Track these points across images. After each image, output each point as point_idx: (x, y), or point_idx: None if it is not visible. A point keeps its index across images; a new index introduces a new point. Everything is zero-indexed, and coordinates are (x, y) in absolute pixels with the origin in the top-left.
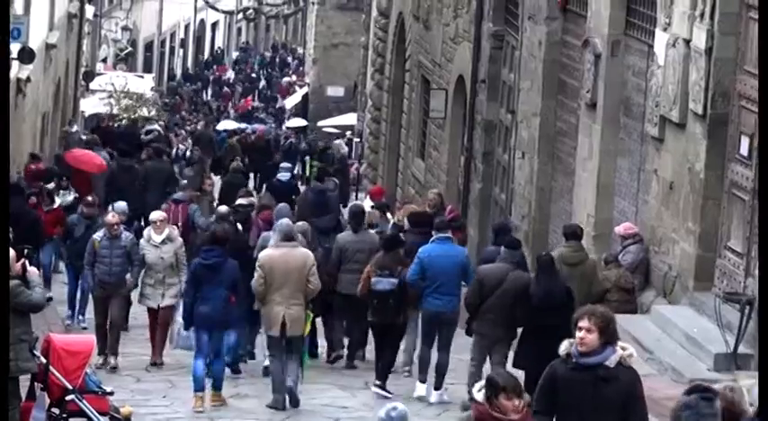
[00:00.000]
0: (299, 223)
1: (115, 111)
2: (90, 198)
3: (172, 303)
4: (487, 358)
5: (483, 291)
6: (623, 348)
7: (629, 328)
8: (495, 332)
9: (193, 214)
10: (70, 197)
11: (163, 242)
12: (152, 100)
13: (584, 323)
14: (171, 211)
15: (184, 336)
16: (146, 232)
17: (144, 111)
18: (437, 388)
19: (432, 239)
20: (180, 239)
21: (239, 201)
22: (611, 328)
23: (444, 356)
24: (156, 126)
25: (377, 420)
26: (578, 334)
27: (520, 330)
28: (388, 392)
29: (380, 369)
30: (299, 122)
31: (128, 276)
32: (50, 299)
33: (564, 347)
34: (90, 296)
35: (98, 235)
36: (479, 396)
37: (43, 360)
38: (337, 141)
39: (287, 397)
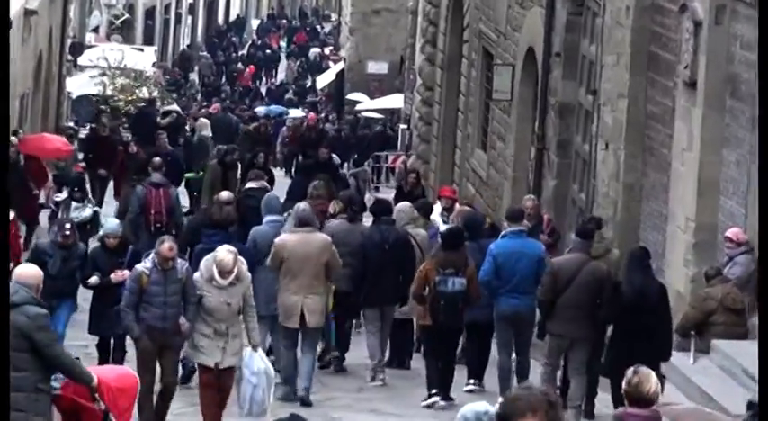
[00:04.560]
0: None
1: (109, 91)
2: (68, 226)
3: (234, 363)
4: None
5: (557, 285)
6: None
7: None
8: (573, 331)
9: (176, 200)
10: (87, 211)
11: (231, 284)
12: (154, 78)
13: None
14: (151, 197)
15: (259, 401)
16: (202, 267)
17: (144, 92)
18: None
19: (503, 233)
20: (249, 276)
21: (249, 184)
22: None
23: (525, 360)
24: (174, 106)
25: (460, 419)
26: None
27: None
28: (451, 400)
29: (442, 376)
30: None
31: (182, 319)
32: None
33: None
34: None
35: (145, 267)
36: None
37: (103, 406)
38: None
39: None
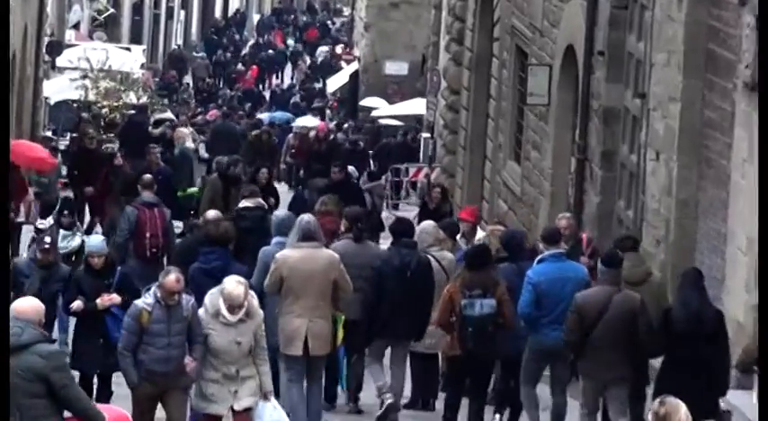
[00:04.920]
0: None
1: (92, 96)
2: (47, 240)
3: (251, 404)
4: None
5: (584, 323)
6: None
7: None
8: (607, 372)
9: (171, 221)
10: (77, 240)
11: (240, 320)
12: (142, 81)
13: None
14: (145, 218)
15: None
16: (207, 301)
17: (131, 97)
18: None
19: (540, 257)
20: (261, 313)
21: (244, 202)
22: None
23: (562, 400)
24: (167, 114)
25: None
26: None
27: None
28: None
29: (473, 413)
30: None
31: (187, 359)
32: None
33: None
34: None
35: (145, 302)
36: None
37: None
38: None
39: None
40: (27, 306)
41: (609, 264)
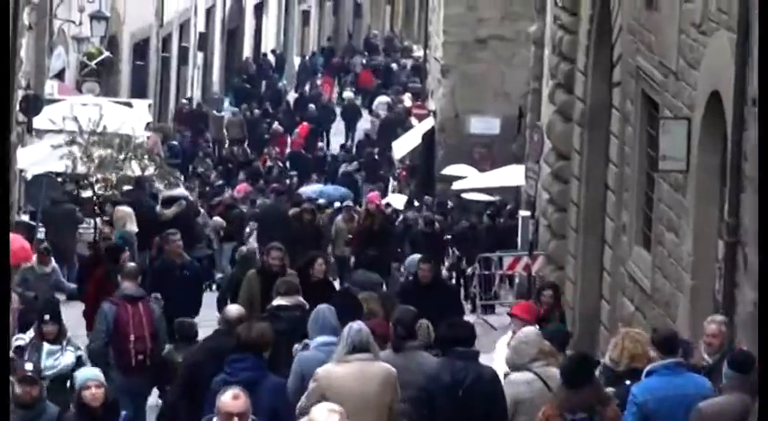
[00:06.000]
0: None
1: (81, 168)
2: (28, 368)
3: None
4: None
5: None
6: None
7: None
8: None
9: (160, 319)
10: (68, 357)
11: None
12: (149, 147)
13: None
14: (127, 316)
15: None
16: None
17: (134, 168)
18: None
19: (649, 368)
20: None
21: (279, 300)
22: None
23: None
24: (180, 191)
25: None
26: None
27: None
28: None
29: None
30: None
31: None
32: None
33: None
34: None
35: None
36: None
37: None
38: None
39: None
40: None
41: (738, 367)
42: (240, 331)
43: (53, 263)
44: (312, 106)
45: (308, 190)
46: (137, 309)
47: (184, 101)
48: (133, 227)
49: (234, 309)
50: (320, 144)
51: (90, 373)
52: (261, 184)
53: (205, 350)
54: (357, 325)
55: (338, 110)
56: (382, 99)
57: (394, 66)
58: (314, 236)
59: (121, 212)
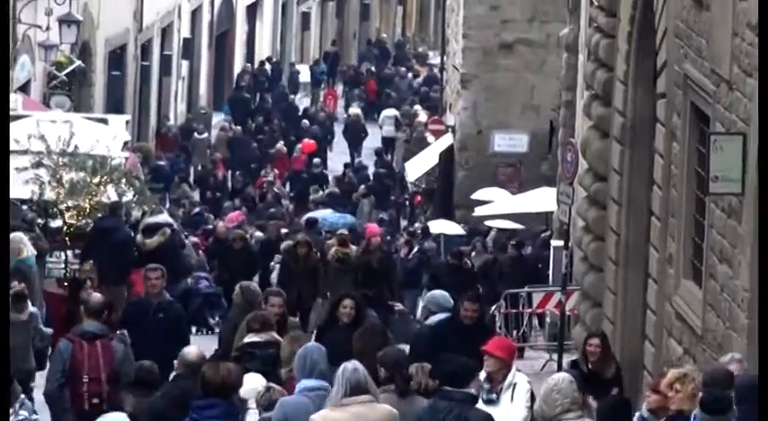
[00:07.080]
0: None
1: (49, 194)
2: None
3: None
4: None
5: None
6: None
7: None
8: None
9: (123, 359)
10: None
11: None
12: (126, 169)
13: None
14: (83, 355)
15: None
16: None
17: (110, 194)
18: None
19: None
20: None
21: (251, 337)
22: None
23: None
24: (164, 217)
25: None
26: None
27: None
28: None
29: None
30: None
31: None
32: None
33: None
34: None
35: None
36: None
37: None
38: None
39: None
40: None
41: (709, 410)
42: (205, 371)
43: (30, 307)
44: (306, 122)
45: (315, 215)
46: (94, 347)
47: (170, 123)
48: (30, 253)
49: (193, 351)
50: (316, 160)
51: None
52: (258, 209)
53: (168, 398)
54: (351, 365)
55: (338, 127)
56: (389, 112)
57: (409, 75)
58: (311, 271)
59: (15, 238)
